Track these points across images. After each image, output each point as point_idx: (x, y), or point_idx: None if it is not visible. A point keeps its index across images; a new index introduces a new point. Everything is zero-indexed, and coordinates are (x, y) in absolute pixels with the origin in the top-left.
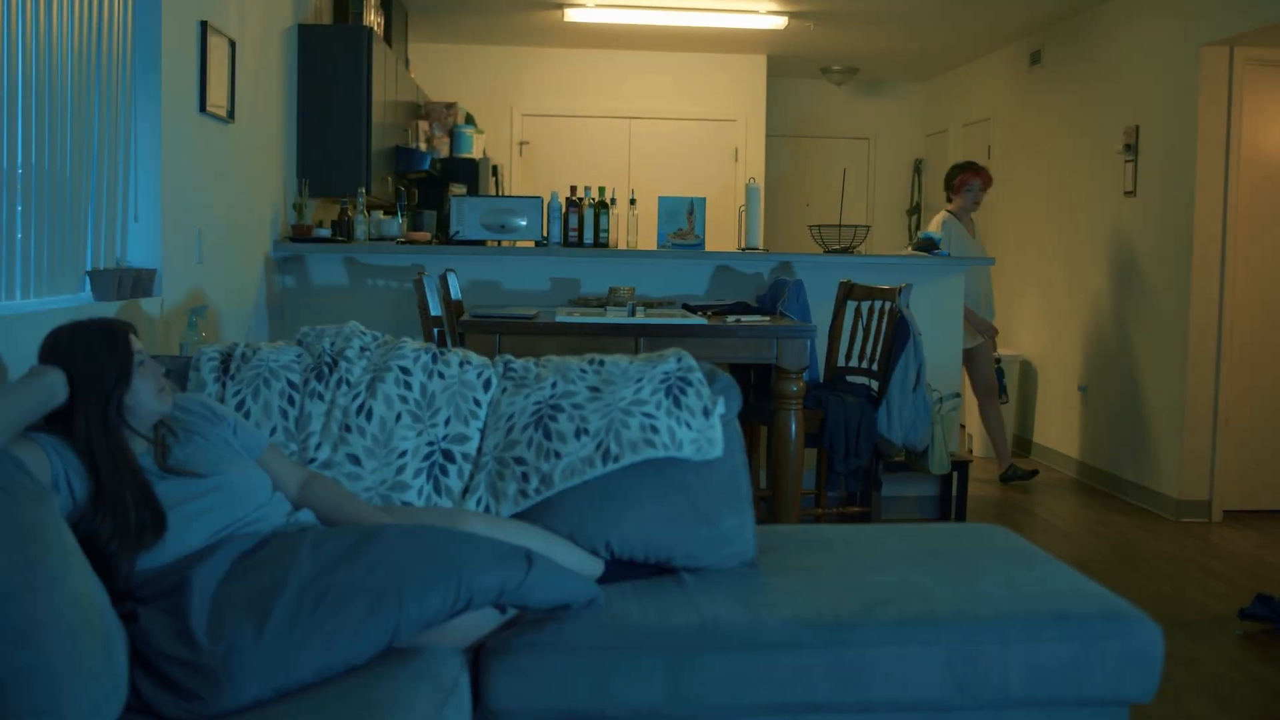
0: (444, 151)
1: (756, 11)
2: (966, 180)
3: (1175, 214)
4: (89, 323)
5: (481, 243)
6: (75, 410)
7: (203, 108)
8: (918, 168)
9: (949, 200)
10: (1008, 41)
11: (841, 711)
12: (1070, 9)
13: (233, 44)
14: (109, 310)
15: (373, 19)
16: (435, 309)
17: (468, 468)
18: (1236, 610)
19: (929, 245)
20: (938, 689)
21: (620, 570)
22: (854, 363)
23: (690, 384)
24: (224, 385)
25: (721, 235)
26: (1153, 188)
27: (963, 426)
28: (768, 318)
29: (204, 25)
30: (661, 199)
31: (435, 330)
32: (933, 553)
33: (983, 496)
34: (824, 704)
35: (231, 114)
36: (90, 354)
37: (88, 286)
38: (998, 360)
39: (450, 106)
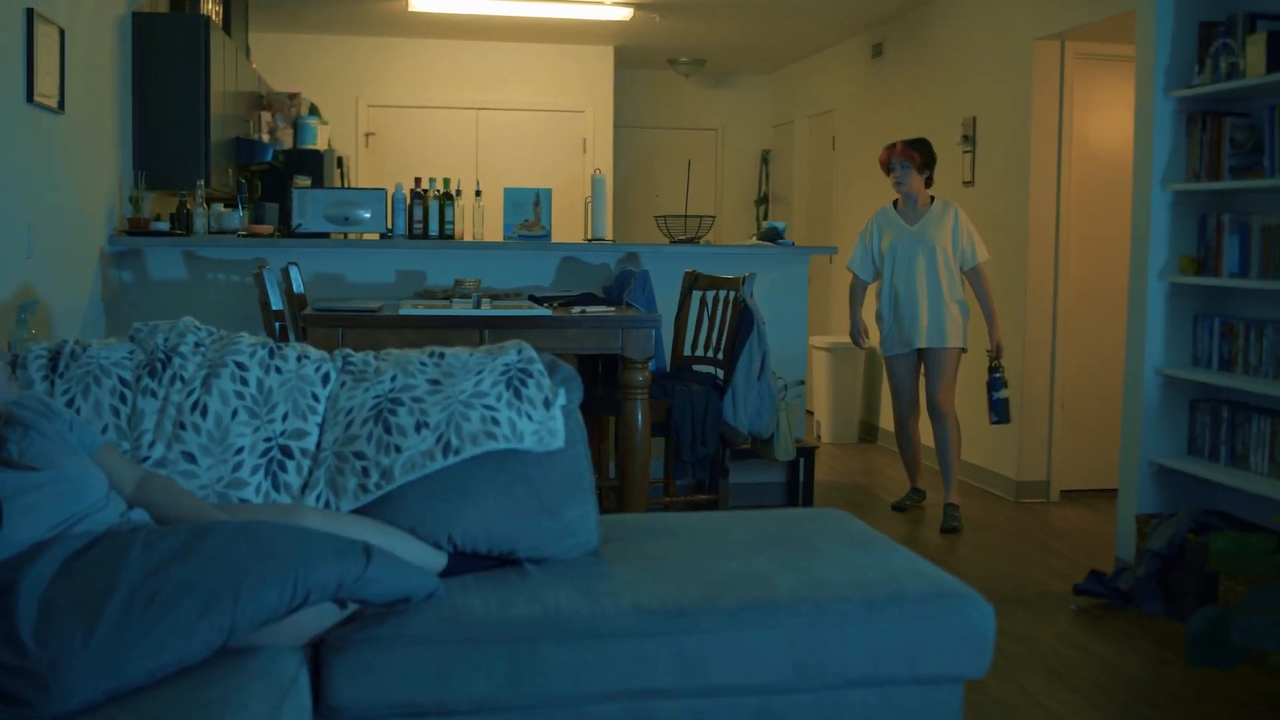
0: (287, 143)
1: (603, 3)
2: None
3: (1011, 203)
4: None
5: (325, 235)
6: None
7: (30, 98)
8: (765, 158)
9: None
10: (851, 34)
11: (683, 697)
12: (910, 3)
13: (62, 32)
14: None
15: (210, 7)
16: (277, 303)
17: (306, 463)
18: (1071, 587)
19: (773, 235)
20: (778, 672)
21: (464, 563)
22: (700, 352)
23: (531, 375)
24: (52, 383)
25: (569, 226)
26: (990, 178)
27: (810, 413)
28: (613, 308)
29: (30, 12)
30: (507, 190)
31: (277, 325)
32: (776, 539)
33: (829, 482)
34: (666, 690)
35: (62, 104)
36: None
37: None
38: (994, 371)
39: (293, 97)
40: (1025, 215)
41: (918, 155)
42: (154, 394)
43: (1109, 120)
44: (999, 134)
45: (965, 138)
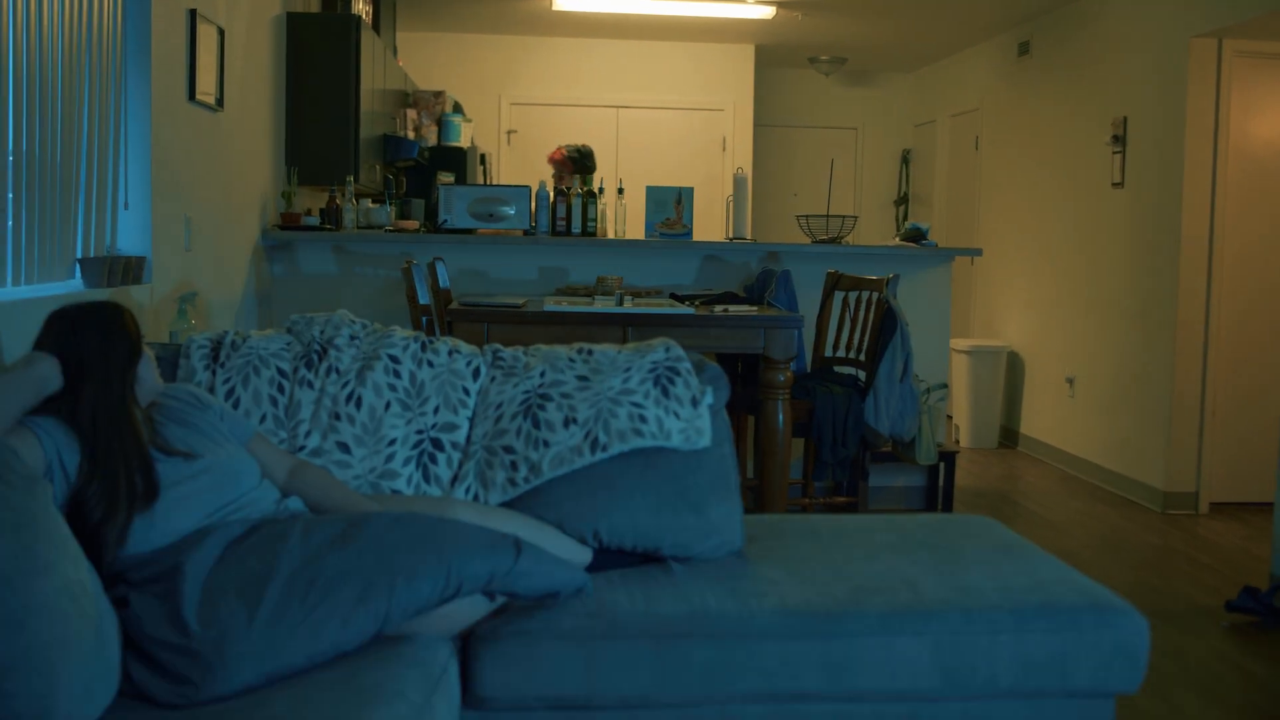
0: (432, 140)
1: (745, 1)
2: None
3: (1163, 206)
4: (94, 304)
5: (469, 231)
6: (84, 388)
7: (192, 96)
8: (905, 158)
9: None
10: (996, 32)
11: (829, 701)
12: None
13: (221, 32)
14: (98, 298)
15: (361, 7)
16: (424, 297)
17: (456, 456)
18: (1223, 602)
19: (916, 236)
20: (925, 679)
21: (608, 559)
22: (841, 353)
23: (679, 373)
24: (214, 373)
25: (709, 225)
26: (1140, 179)
27: (950, 417)
28: (755, 308)
29: (193, 13)
30: (649, 188)
31: (423, 319)
32: (920, 543)
33: (970, 487)
34: (811, 693)
35: (220, 102)
36: (104, 332)
37: (78, 273)
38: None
39: (438, 95)
40: (1178, 219)
41: None
42: (310, 385)
43: (1270, 122)
44: (1151, 135)
45: (1115, 138)
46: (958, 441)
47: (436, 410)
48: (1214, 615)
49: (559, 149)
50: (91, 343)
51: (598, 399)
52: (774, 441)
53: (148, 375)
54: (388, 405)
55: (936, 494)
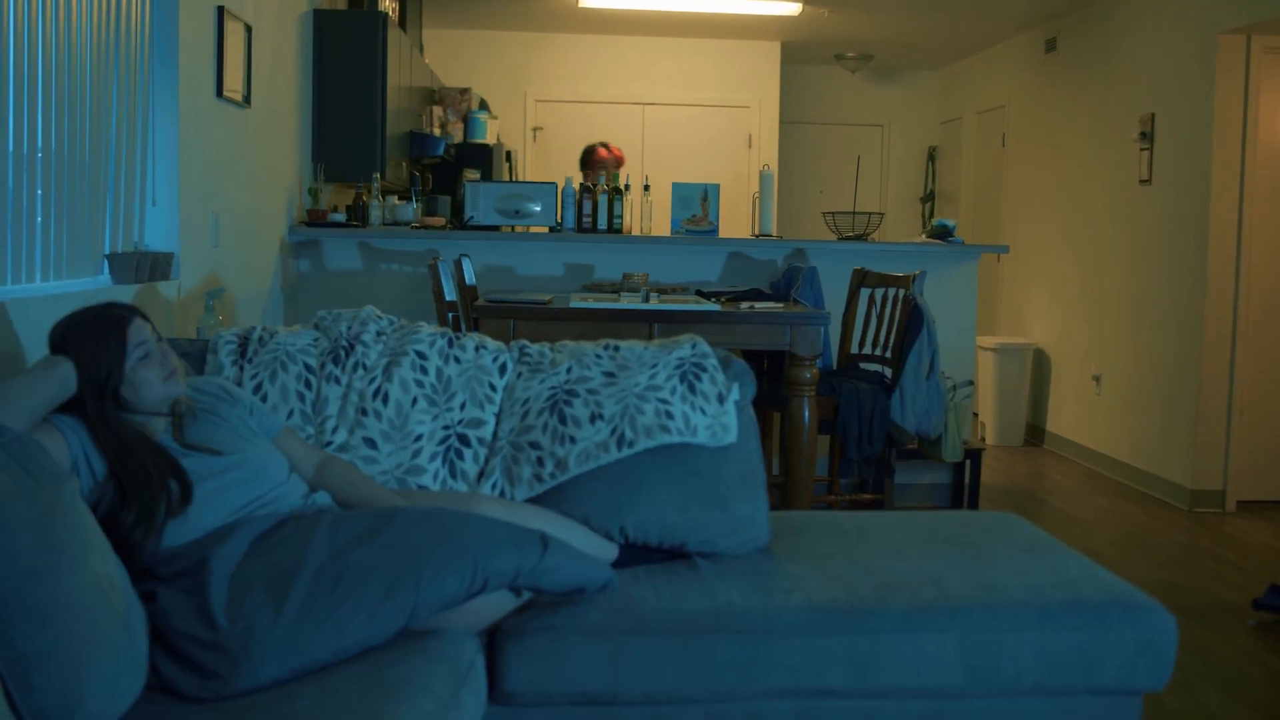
0: (458, 137)
1: None
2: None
3: (1191, 202)
4: (86, 314)
5: (495, 228)
6: (83, 399)
7: (219, 93)
8: (932, 155)
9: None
10: (1023, 29)
11: (854, 697)
12: None
13: (249, 29)
14: (126, 294)
15: (388, 4)
16: (450, 294)
17: (483, 452)
18: (1250, 601)
19: (943, 233)
20: (950, 676)
21: (634, 555)
22: (867, 350)
23: (705, 370)
24: (241, 369)
25: (735, 222)
26: (1168, 176)
27: (975, 415)
28: (782, 304)
29: (221, 10)
30: (675, 185)
31: (450, 315)
32: (946, 540)
33: (996, 485)
34: (837, 690)
35: (248, 99)
36: (84, 347)
37: (106, 269)
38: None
39: (464, 92)
40: (1206, 215)
41: None
42: (337, 380)
43: None
44: (1179, 131)
45: (1143, 134)
46: (984, 439)
47: (463, 406)
48: (1240, 613)
49: (601, 147)
50: (77, 357)
51: (624, 395)
52: (799, 438)
53: (145, 389)
54: (414, 401)
55: (962, 491)
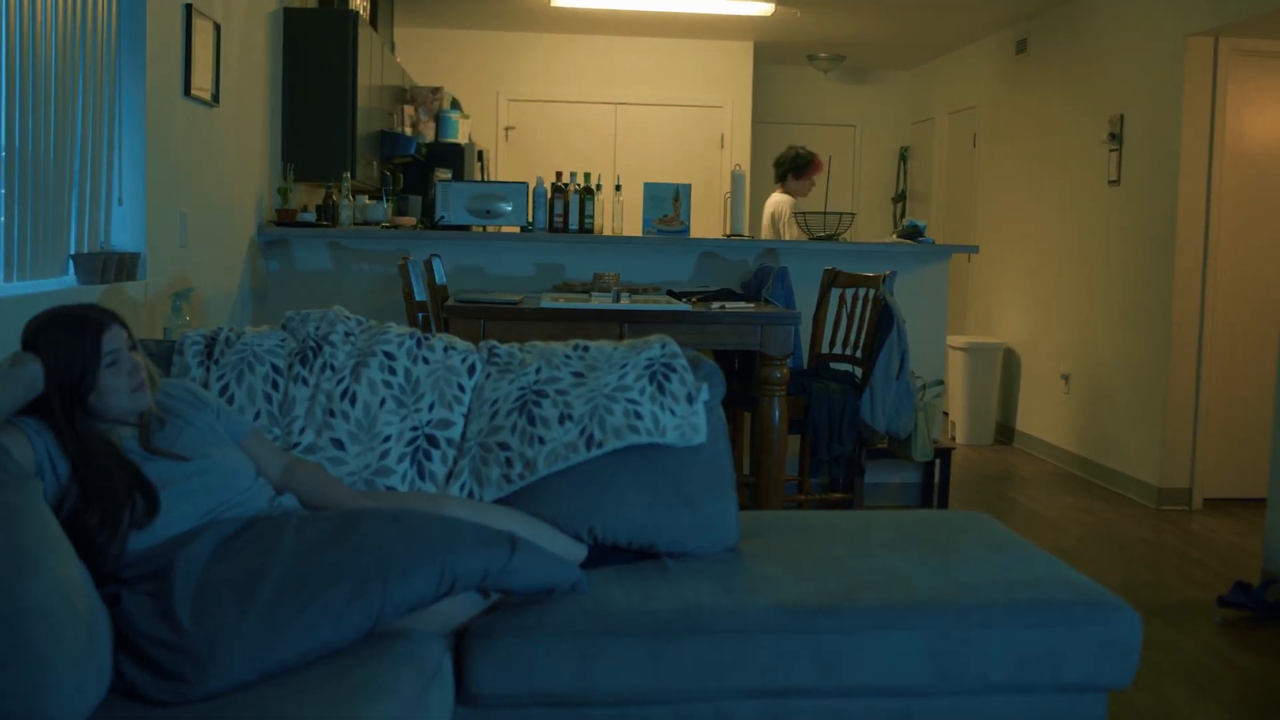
0: (429, 136)
1: None
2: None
3: (1159, 203)
4: (62, 314)
5: (466, 228)
6: (49, 400)
7: (187, 91)
8: (903, 155)
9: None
10: (994, 30)
11: (822, 696)
12: None
13: (218, 27)
14: (92, 294)
15: (359, 3)
16: (420, 294)
17: (451, 453)
18: (1216, 598)
19: (914, 233)
20: (918, 675)
21: (603, 555)
22: (838, 350)
23: (674, 370)
24: (208, 370)
25: (707, 222)
26: (1137, 177)
27: (945, 414)
28: (752, 304)
29: (189, 8)
30: (647, 185)
31: (420, 315)
32: (915, 539)
33: (965, 484)
34: (804, 689)
35: (216, 97)
36: (58, 348)
37: (71, 270)
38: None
39: (436, 91)
40: (1174, 216)
41: None
42: (305, 381)
43: (1266, 121)
44: (1147, 133)
45: (1112, 136)
46: (954, 438)
47: (432, 407)
48: (1207, 610)
49: (814, 154)
50: (49, 359)
51: (593, 395)
52: (770, 438)
53: (111, 400)
54: (383, 402)
55: (932, 490)
